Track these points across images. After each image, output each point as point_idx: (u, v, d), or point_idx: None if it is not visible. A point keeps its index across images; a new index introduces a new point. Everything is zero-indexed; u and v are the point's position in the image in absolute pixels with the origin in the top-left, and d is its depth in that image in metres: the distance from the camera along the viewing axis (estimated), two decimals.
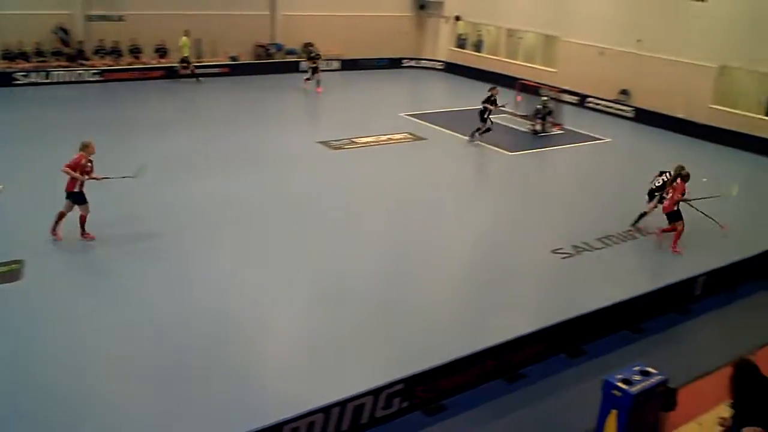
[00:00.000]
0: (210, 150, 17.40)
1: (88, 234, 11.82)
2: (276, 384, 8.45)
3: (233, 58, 28.30)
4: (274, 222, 13.32)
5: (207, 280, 10.81)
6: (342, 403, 7.19)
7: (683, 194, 12.82)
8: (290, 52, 30.05)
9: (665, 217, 13.13)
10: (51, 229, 11.72)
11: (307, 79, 25.13)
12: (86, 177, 11.57)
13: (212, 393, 8.11)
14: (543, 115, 21.95)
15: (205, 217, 13.26)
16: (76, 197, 11.58)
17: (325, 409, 7.06)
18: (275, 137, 19.14)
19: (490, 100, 19.55)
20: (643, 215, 13.78)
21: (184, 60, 25.35)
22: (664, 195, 13.23)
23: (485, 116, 19.55)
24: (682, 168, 13.08)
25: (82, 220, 11.73)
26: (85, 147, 11.64)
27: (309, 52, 26.99)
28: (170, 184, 14.75)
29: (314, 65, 25.16)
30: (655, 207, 13.46)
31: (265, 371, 8.75)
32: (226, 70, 27.30)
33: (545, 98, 22.69)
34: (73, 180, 11.45)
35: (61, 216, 11.68)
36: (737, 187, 14.38)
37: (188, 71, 25.50)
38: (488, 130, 19.70)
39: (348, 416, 7.28)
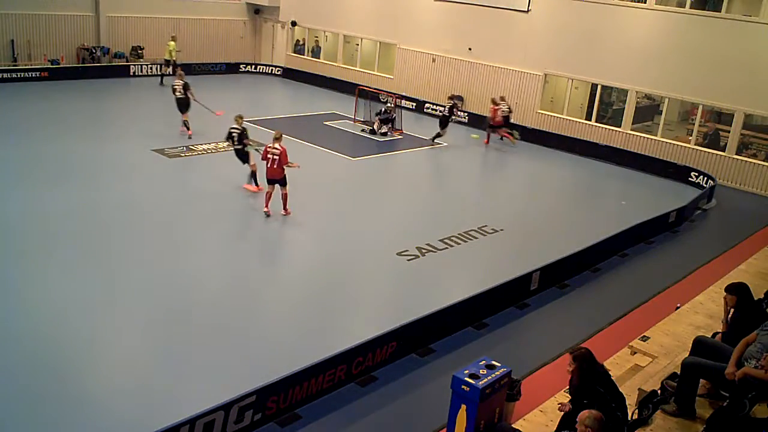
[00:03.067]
0: (31, 160, 16.07)
1: (288, 210, 14.28)
2: (116, 407, 7.88)
3: (53, 62, 26.39)
4: (109, 237, 12.50)
5: (38, 299, 9.95)
6: (191, 421, 6.83)
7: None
8: (118, 56, 28.55)
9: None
10: (265, 206, 14.06)
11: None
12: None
13: (39, 421, 7.43)
14: (384, 118, 22.44)
15: (32, 233, 12.21)
16: (284, 180, 13.96)
17: (174, 429, 6.67)
18: (105, 145, 18.02)
19: (452, 110, 21.58)
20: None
21: (167, 62, 26.70)
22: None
23: (445, 123, 21.61)
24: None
25: (285, 198, 14.14)
26: (281, 136, 14.10)
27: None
28: None
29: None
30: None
31: (103, 394, 8.13)
32: (45, 74, 25.22)
33: (389, 105, 23.22)
34: (281, 168, 13.75)
35: (269, 195, 14.05)
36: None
37: (168, 71, 26.49)
38: (439, 135, 21.71)
39: None
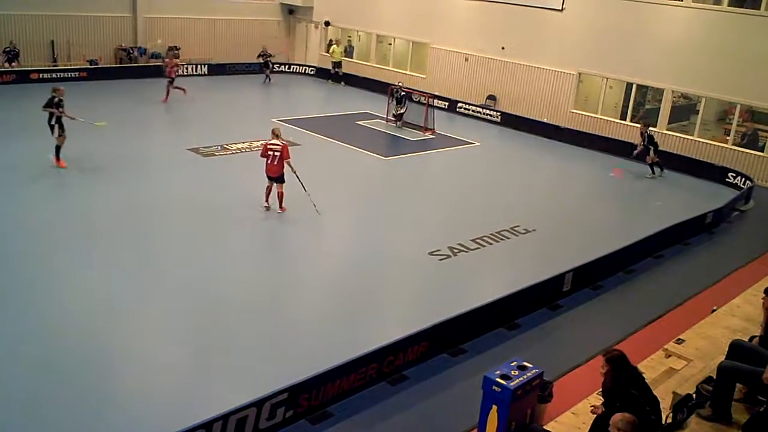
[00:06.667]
0: (68, 159, 16.37)
1: (284, 207, 14.22)
2: (152, 402, 8.04)
3: (92, 62, 26.89)
4: (143, 236, 12.72)
5: (74, 296, 10.18)
6: (224, 417, 6.92)
7: None
8: (155, 56, 28.98)
9: None
10: (279, 207, 14.15)
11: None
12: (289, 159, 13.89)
13: (75, 415, 7.60)
14: (399, 97, 23.13)
15: (72, 231, 12.49)
16: (282, 178, 13.93)
17: (207, 424, 6.77)
18: (142, 145, 18.33)
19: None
20: None
21: (335, 64, 29.78)
22: None
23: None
24: None
25: (281, 197, 14.08)
26: (280, 132, 14.12)
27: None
28: (25, 199, 13.81)
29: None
30: None
31: (140, 389, 8.29)
32: (84, 75, 25.74)
33: (400, 83, 23.86)
34: (281, 165, 13.72)
35: (269, 190, 14.11)
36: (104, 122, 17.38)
37: (337, 73, 29.87)
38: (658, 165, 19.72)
39: (231, 430, 7.00)
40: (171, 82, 23.22)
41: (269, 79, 28.94)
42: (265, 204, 14.18)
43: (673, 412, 6.95)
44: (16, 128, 18.56)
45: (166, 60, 23.74)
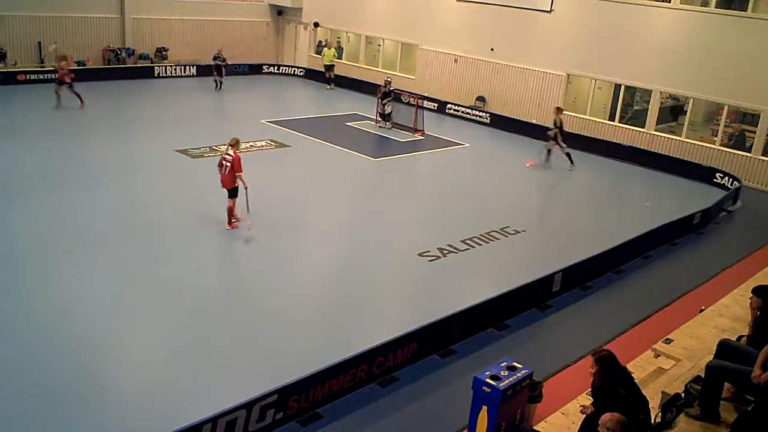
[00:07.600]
0: (57, 160, 16.30)
1: (235, 223, 13.29)
2: (141, 404, 7.99)
3: (80, 63, 26.74)
4: (131, 237, 12.63)
5: (60, 302, 10.10)
6: (213, 419, 6.89)
7: None
8: (143, 57, 28.86)
9: None
10: (227, 223, 13.17)
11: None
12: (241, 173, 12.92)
13: (64, 416, 7.55)
14: (384, 92, 23.13)
15: (53, 236, 12.38)
16: (235, 192, 12.97)
17: (196, 427, 6.74)
18: (130, 146, 18.23)
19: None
20: None
21: (327, 67, 28.92)
22: None
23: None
24: None
25: (230, 211, 13.16)
26: (237, 143, 13.15)
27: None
28: (9, 201, 13.75)
29: None
30: None
31: (128, 392, 8.24)
32: (71, 75, 25.56)
33: (389, 79, 23.83)
34: (233, 177, 12.80)
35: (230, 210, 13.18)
36: None
37: (330, 76, 29.01)
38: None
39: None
40: (70, 87, 21.58)
41: (220, 86, 26.66)
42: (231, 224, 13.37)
43: (661, 412, 6.99)
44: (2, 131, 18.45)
45: (59, 65, 21.81)
